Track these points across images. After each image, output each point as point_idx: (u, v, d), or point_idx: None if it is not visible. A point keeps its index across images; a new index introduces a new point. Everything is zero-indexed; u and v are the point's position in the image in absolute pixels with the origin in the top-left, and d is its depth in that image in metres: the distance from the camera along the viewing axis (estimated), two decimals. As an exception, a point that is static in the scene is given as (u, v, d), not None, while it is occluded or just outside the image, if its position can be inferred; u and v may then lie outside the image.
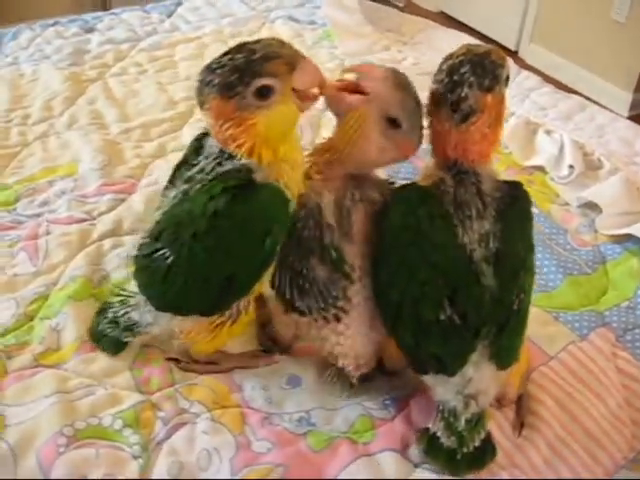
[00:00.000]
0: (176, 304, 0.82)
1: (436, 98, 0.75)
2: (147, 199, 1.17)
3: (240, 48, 0.73)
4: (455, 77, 0.73)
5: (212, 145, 0.79)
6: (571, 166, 1.31)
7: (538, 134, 1.43)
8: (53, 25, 1.80)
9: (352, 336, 0.81)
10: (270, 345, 0.91)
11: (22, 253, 1.06)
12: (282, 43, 0.75)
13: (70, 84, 1.53)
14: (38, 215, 1.14)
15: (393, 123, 0.75)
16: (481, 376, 0.77)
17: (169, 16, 1.92)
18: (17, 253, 1.06)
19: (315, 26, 1.88)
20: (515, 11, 3.15)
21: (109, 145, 1.32)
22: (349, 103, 0.75)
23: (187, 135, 1.36)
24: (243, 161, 0.75)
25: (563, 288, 1.07)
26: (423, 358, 0.78)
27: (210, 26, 1.85)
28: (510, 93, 1.56)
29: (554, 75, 2.85)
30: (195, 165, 0.80)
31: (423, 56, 1.71)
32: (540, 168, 1.35)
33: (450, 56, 0.75)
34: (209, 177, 0.77)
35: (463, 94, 0.73)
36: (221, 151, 0.77)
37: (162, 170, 1.24)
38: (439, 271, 0.74)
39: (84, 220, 1.13)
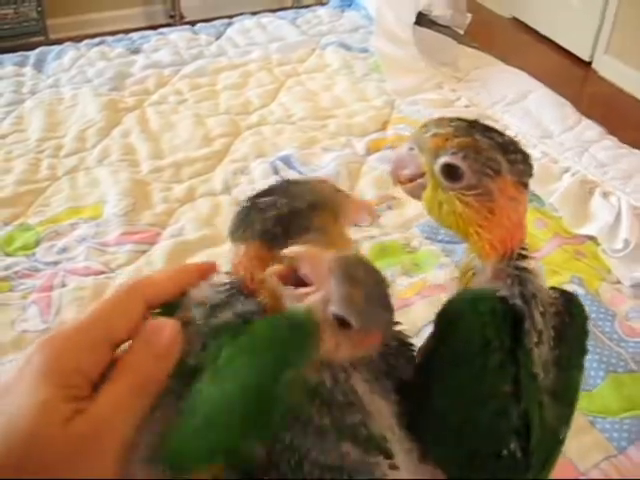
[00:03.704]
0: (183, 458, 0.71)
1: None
2: (168, 253, 1.11)
3: (286, 191, 0.62)
4: None
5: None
6: (627, 239, 1.19)
7: (594, 196, 1.31)
8: (98, 45, 1.78)
9: None
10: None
11: (33, 307, 1.02)
12: (329, 185, 0.64)
13: (106, 113, 1.49)
14: (56, 263, 1.11)
15: (342, 321, 0.56)
16: None
17: (217, 38, 1.88)
18: (29, 306, 1.02)
19: (367, 54, 1.80)
20: (590, 21, 2.98)
21: (137, 186, 1.28)
22: (294, 296, 0.57)
23: (218, 179, 1.31)
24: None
25: (603, 387, 0.96)
26: None
27: (257, 51, 1.79)
28: (567, 145, 1.47)
29: (626, 88, 2.70)
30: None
31: (477, 96, 1.60)
32: (593, 238, 1.22)
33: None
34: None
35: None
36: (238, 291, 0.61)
37: (188, 219, 1.20)
38: (513, 401, 0.61)
39: (102, 272, 1.08)
